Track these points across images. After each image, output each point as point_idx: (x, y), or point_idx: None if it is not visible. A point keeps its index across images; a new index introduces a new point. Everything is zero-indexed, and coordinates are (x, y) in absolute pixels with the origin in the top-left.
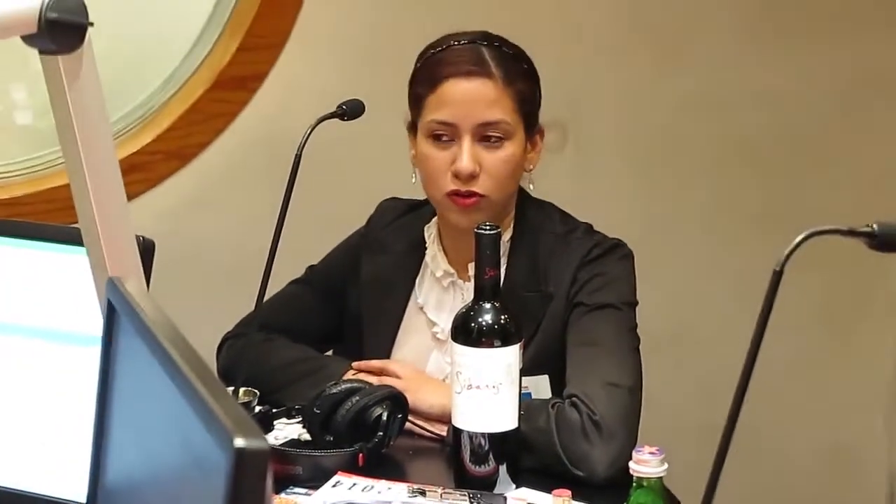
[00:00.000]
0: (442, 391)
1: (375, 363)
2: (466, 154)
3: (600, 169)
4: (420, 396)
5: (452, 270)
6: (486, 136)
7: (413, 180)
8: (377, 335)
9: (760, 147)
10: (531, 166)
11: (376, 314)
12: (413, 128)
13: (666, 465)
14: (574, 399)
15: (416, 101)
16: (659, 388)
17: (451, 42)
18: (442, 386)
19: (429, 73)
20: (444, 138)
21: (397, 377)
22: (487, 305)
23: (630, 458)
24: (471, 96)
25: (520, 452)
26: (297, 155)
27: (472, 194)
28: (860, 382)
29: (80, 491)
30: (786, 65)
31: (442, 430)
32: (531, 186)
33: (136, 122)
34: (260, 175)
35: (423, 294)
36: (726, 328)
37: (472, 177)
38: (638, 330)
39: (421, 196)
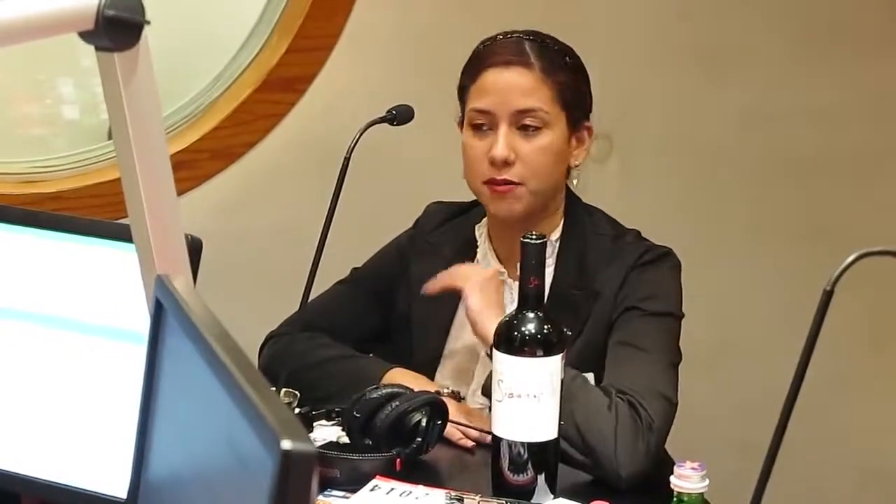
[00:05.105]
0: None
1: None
2: (501, 141)
3: (645, 181)
4: (481, 326)
5: (503, 269)
6: (523, 124)
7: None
8: (427, 335)
9: (808, 163)
10: (577, 162)
11: (427, 315)
12: (462, 122)
13: (707, 481)
14: (629, 398)
15: (462, 93)
16: (699, 401)
17: (499, 36)
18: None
19: (472, 64)
20: (484, 127)
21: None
22: (531, 314)
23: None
24: (507, 84)
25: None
26: (345, 158)
27: (506, 182)
28: None
29: (122, 486)
30: (835, 80)
31: (484, 435)
32: (574, 182)
33: (183, 121)
34: (305, 177)
35: None
36: (768, 344)
37: (507, 164)
38: (679, 343)
39: (467, 198)
